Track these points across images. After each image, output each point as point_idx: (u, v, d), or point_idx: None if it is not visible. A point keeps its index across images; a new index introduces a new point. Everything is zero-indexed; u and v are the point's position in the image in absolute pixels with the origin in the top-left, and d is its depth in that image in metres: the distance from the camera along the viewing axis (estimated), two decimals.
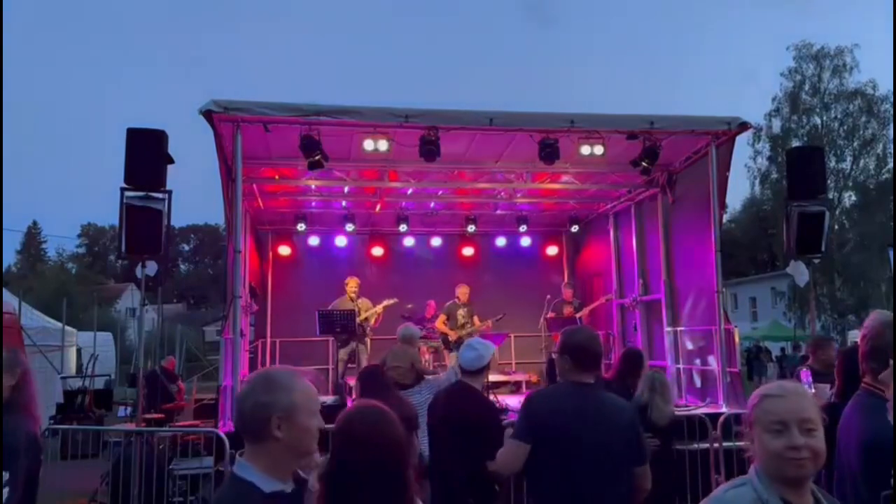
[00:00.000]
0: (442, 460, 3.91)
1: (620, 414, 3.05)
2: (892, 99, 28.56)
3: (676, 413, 5.38)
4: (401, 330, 7.14)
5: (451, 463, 3.82)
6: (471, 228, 11.80)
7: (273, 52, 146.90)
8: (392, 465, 1.86)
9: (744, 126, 8.07)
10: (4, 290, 14.76)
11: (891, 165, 29.32)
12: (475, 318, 10.29)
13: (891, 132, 28.89)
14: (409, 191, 10.68)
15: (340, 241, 12.21)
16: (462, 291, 10.39)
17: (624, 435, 2.97)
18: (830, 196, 27.23)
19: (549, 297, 10.79)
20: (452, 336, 10.00)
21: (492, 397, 7.89)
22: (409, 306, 10.76)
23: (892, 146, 29.16)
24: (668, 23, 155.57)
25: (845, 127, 30.02)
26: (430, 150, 7.61)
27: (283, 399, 1.76)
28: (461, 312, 10.23)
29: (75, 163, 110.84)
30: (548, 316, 10.58)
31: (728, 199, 8.61)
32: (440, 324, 10.17)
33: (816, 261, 7.84)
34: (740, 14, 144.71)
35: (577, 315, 10.69)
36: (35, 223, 62.17)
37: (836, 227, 28.88)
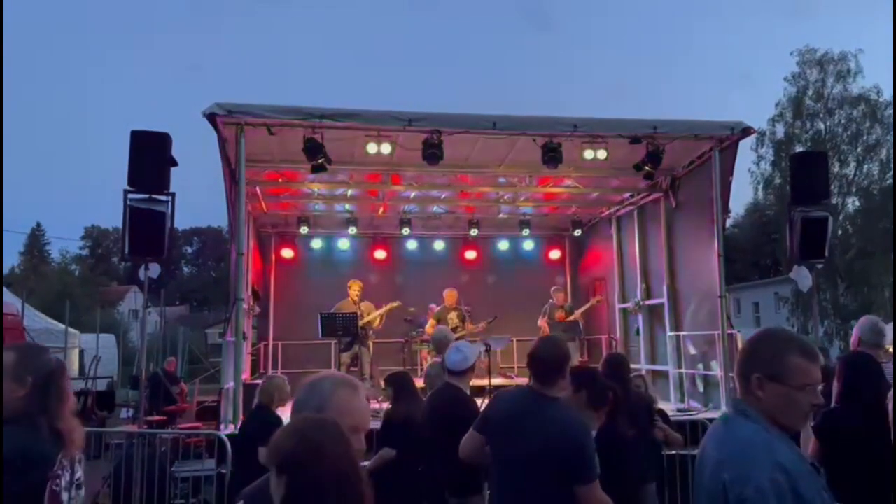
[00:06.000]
0: (431, 459, 4.07)
1: (564, 429, 2.96)
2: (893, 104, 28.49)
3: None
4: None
5: (435, 461, 3.97)
6: (473, 232, 11.79)
7: (276, 55, 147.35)
8: (353, 477, 1.73)
9: (747, 131, 8.03)
10: (7, 292, 14.80)
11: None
12: (467, 322, 10.20)
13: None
14: (412, 194, 10.69)
15: (343, 243, 12.23)
16: (449, 295, 10.23)
17: (565, 451, 2.89)
18: (834, 201, 27.15)
19: (550, 301, 10.79)
20: None
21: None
22: (412, 310, 10.76)
23: (894, 151, 29.06)
24: (669, 26, 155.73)
25: (849, 132, 29.90)
26: (433, 153, 7.61)
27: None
28: (451, 316, 10.17)
29: (79, 165, 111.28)
30: (540, 322, 10.54)
31: (731, 204, 8.58)
32: (430, 329, 10.08)
33: (819, 266, 7.81)
34: (742, 19, 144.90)
35: (569, 319, 10.63)
36: (38, 225, 62.01)
37: (840, 232, 28.75)
